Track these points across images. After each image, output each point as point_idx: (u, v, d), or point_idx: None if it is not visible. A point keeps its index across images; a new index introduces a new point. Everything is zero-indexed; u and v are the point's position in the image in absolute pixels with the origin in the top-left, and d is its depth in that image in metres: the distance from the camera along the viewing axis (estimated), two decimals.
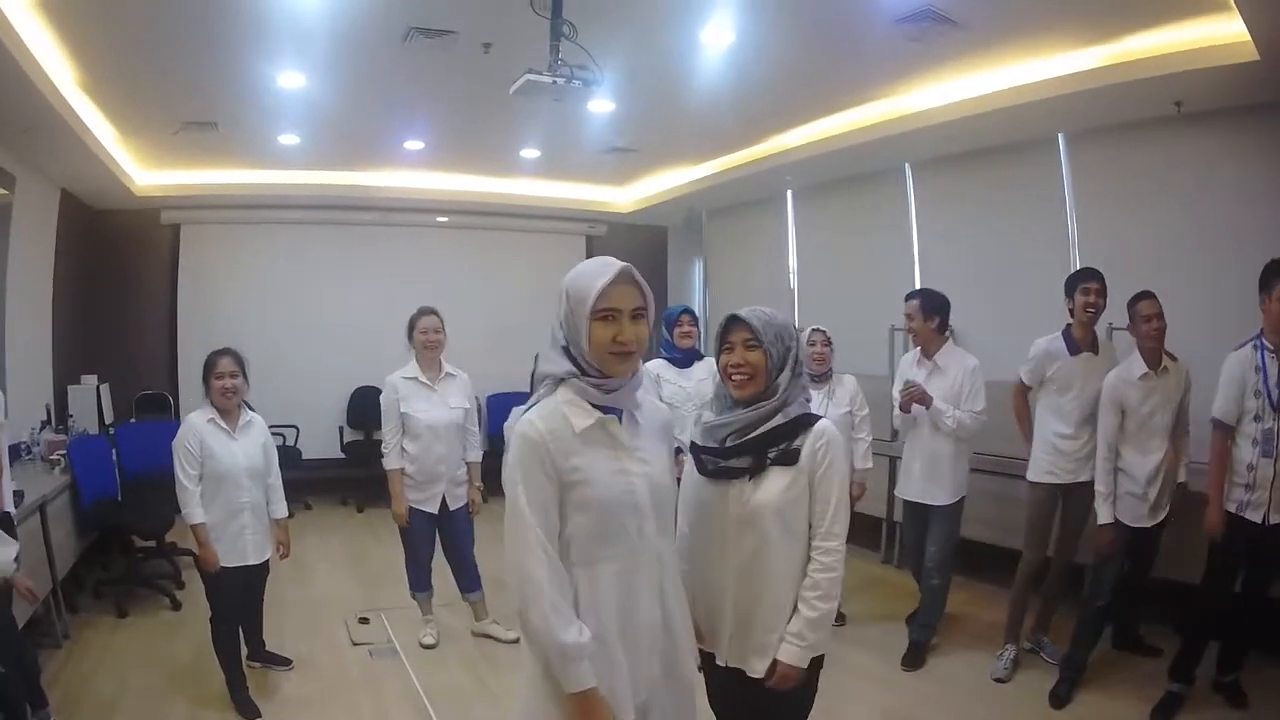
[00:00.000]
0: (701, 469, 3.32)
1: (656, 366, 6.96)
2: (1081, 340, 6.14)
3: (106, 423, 10.08)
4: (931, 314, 6.42)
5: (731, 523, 3.21)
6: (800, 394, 3.28)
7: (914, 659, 6.46)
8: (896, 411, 6.60)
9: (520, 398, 3.05)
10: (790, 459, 3.16)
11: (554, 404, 2.74)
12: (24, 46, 6.05)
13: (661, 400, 6.66)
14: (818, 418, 3.27)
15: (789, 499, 3.15)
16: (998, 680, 6.13)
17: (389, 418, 6.59)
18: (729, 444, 3.23)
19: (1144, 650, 6.37)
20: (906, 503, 6.72)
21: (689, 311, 7.07)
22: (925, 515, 6.52)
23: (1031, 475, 6.30)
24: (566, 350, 2.77)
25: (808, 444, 3.18)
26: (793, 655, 3.12)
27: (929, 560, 6.48)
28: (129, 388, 11.09)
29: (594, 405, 2.75)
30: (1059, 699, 5.75)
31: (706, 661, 3.35)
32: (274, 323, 12.06)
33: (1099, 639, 5.95)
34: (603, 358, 2.73)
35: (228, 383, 5.73)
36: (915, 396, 6.29)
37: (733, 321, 3.27)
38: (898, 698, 5.98)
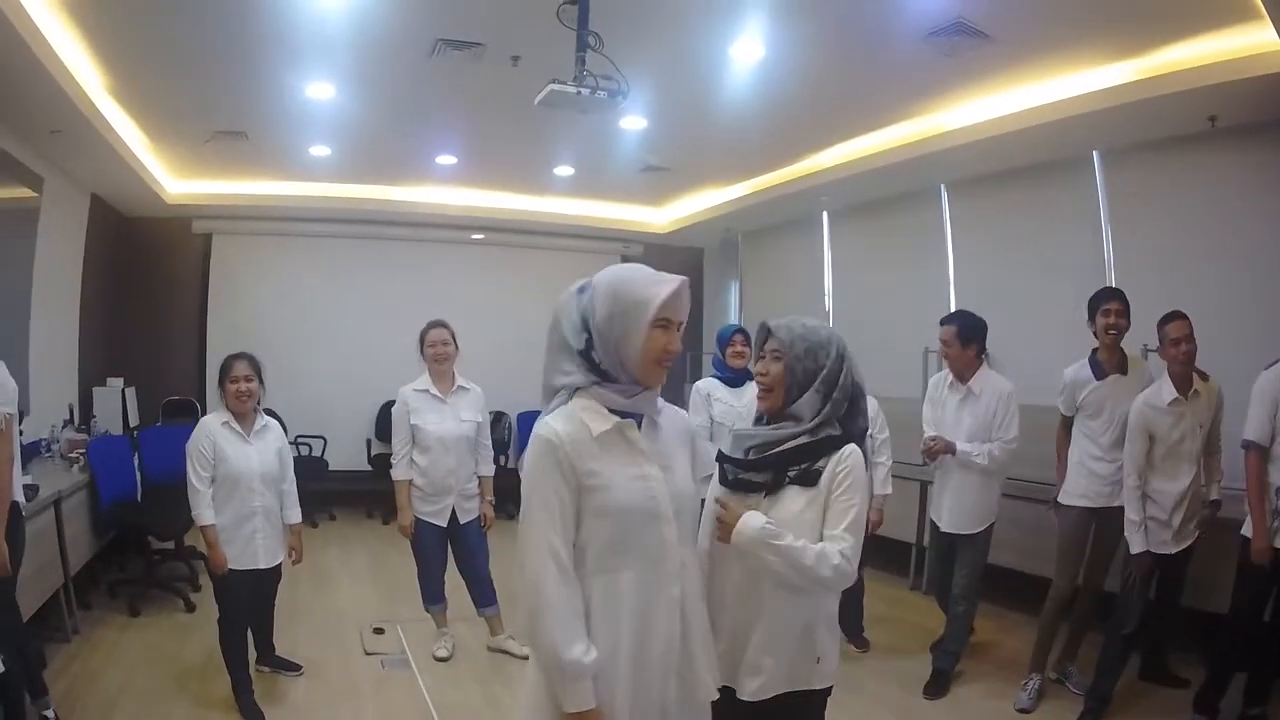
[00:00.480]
0: (722, 478, 3.25)
1: (708, 385, 6.92)
2: (1107, 362, 6.03)
3: (131, 425, 10.10)
4: (969, 340, 6.29)
5: (712, 553, 3.17)
6: (844, 419, 3.17)
7: (937, 687, 6.35)
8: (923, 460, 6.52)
9: None
10: (810, 480, 3.08)
11: (571, 409, 2.66)
12: (49, 48, 6.09)
13: (713, 419, 6.77)
14: (847, 441, 3.14)
15: (804, 521, 3.04)
16: (1021, 710, 6.00)
17: (399, 429, 6.56)
18: (750, 456, 3.17)
19: (1171, 681, 6.17)
20: (935, 529, 6.59)
21: (742, 331, 6.97)
22: (952, 542, 6.43)
23: (1064, 498, 6.18)
24: (586, 355, 2.68)
25: (829, 467, 3.07)
26: (745, 523, 3.02)
27: (956, 587, 6.38)
28: (156, 393, 11.11)
29: (613, 411, 2.69)
30: None
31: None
32: (303, 334, 12.10)
33: (1124, 668, 5.79)
34: (649, 366, 2.68)
35: (243, 386, 5.69)
36: (939, 450, 6.24)
37: (764, 329, 3.27)
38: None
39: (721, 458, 3.26)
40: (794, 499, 3.07)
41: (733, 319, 13.94)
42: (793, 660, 3.11)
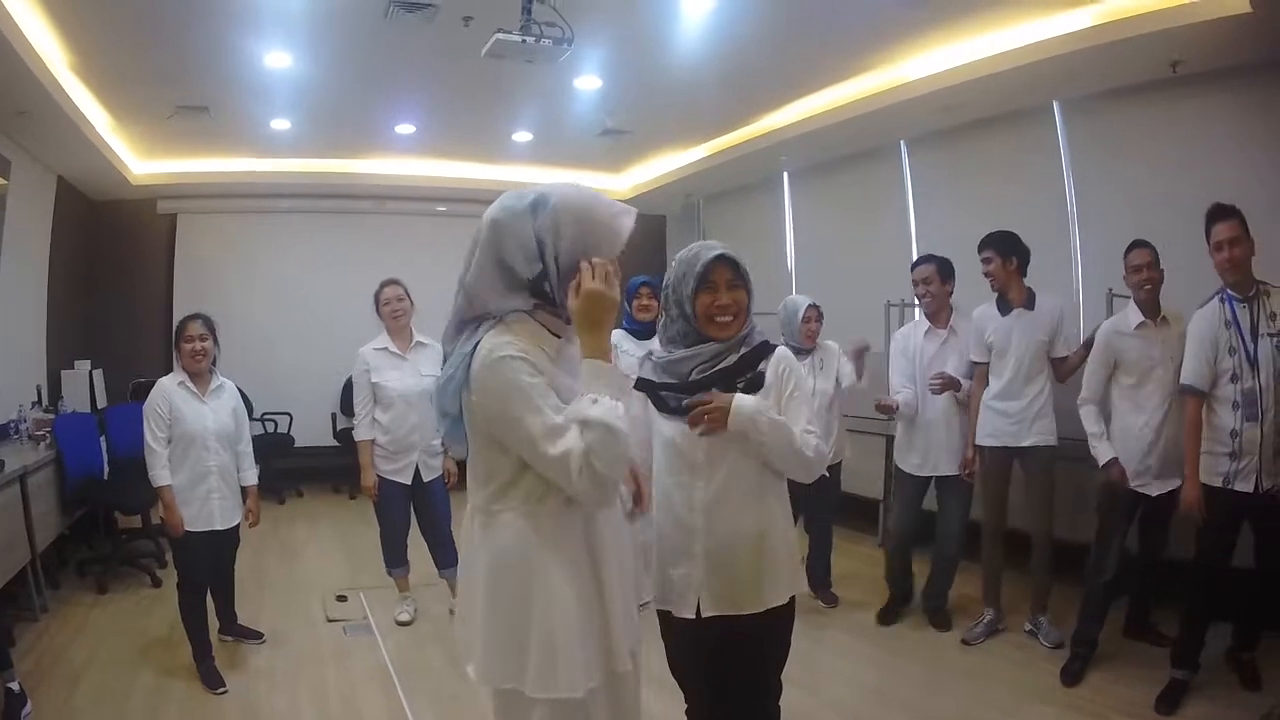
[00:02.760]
0: (663, 406, 3.26)
1: (616, 337, 6.80)
2: (1013, 301, 6.05)
3: (99, 407, 10.07)
4: (948, 278, 6.36)
5: (701, 459, 3.20)
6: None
7: (945, 621, 6.55)
8: (915, 395, 6.47)
9: None
10: (757, 385, 3.19)
11: (514, 332, 2.51)
12: (15, 26, 6.07)
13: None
14: (775, 345, 3.32)
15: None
16: (964, 642, 6.15)
17: (360, 389, 6.55)
18: (695, 378, 3.20)
19: (1155, 638, 6.00)
20: (908, 478, 6.56)
21: (649, 284, 6.94)
22: (927, 488, 6.52)
23: (979, 439, 6.19)
24: (535, 283, 2.52)
25: (770, 368, 3.23)
26: (738, 403, 3.13)
27: (949, 531, 6.49)
28: (125, 375, 10.99)
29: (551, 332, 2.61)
30: (1070, 675, 5.56)
31: (667, 620, 3.32)
32: (269, 311, 12.08)
33: (1105, 616, 5.71)
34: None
35: (197, 345, 5.69)
36: (950, 385, 6.19)
37: (719, 261, 3.20)
38: (883, 675, 5.86)
39: (653, 387, 3.29)
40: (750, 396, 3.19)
41: None
42: (779, 569, 3.24)
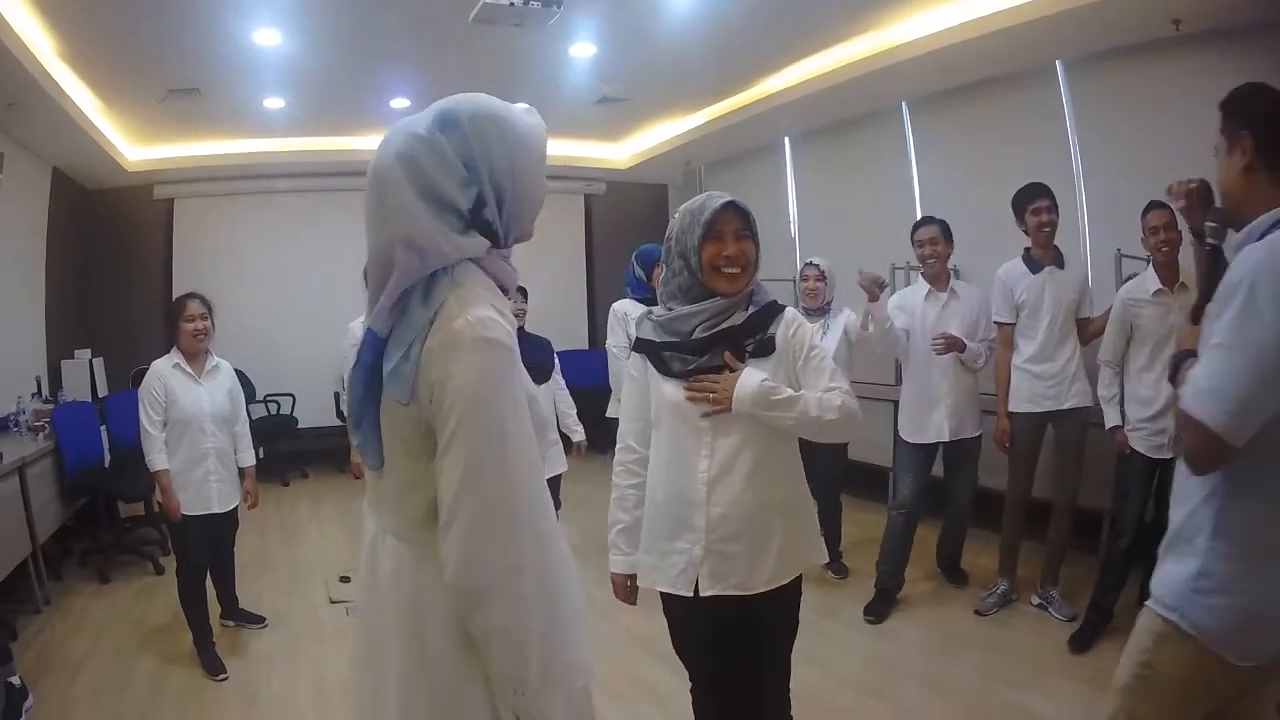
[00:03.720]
0: (664, 369, 3.10)
1: (624, 307, 6.89)
2: (1042, 259, 5.94)
3: (100, 396, 10.02)
4: (950, 239, 6.27)
5: (706, 425, 3.04)
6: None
7: (962, 577, 6.75)
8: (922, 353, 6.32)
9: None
10: (767, 349, 3.06)
11: (480, 297, 1.99)
12: (1, 17, 6.01)
13: (630, 340, 6.63)
14: (784, 305, 3.17)
15: (774, 390, 2.98)
16: (977, 613, 6.09)
17: (350, 364, 6.37)
18: (699, 335, 3.05)
19: None
20: (914, 447, 6.41)
21: None
22: (935, 455, 6.41)
23: (1012, 404, 6.07)
24: (475, 214, 2.04)
25: (780, 331, 3.09)
26: (742, 385, 2.96)
27: (960, 500, 6.56)
28: (125, 363, 10.94)
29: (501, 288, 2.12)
30: (1080, 643, 5.52)
31: (665, 598, 3.18)
32: (269, 293, 12.06)
33: (1123, 584, 5.66)
34: (535, 212, 2.20)
35: (198, 324, 5.68)
36: (954, 346, 6.05)
37: (728, 208, 3.01)
38: (895, 647, 5.81)
39: (655, 348, 3.13)
40: (753, 375, 3.00)
41: None
42: (801, 540, 3.18)
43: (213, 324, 5.79)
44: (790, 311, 3.13)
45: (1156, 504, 5.67)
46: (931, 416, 6.27)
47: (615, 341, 6.87)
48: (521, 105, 2.18)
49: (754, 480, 3.01)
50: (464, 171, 2.01)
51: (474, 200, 2.03)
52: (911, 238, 6.36)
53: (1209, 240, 2.68)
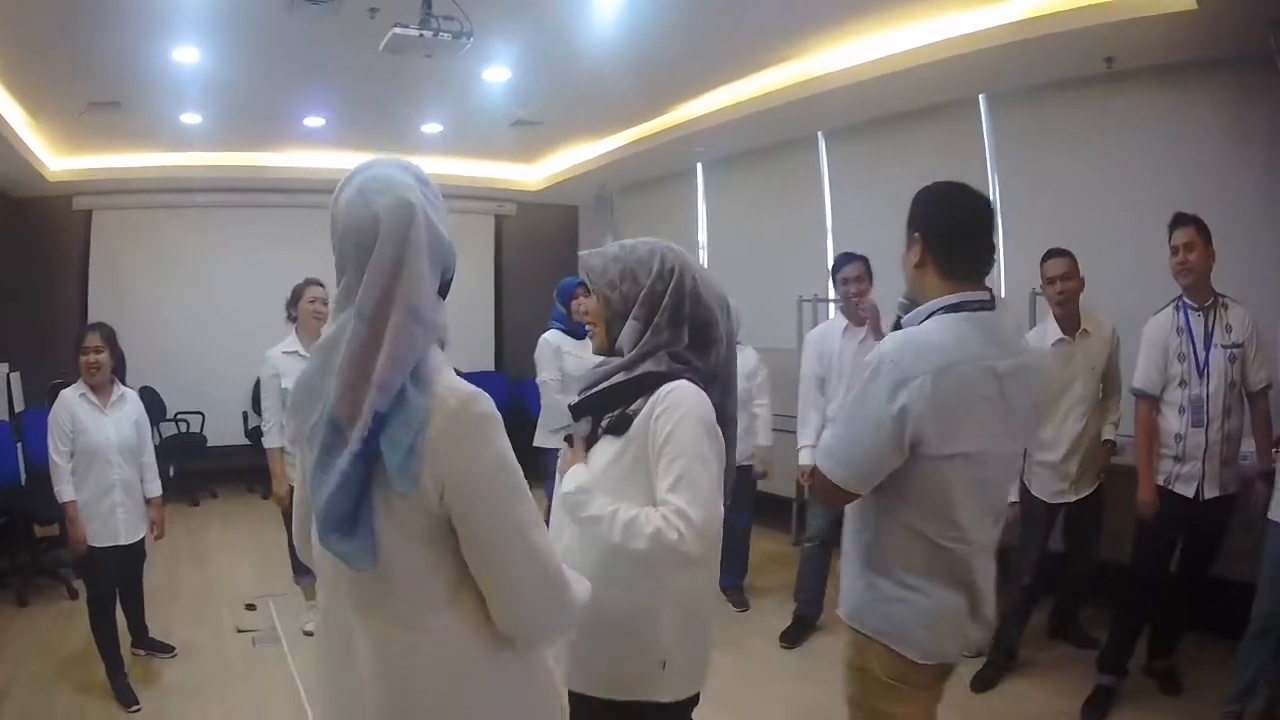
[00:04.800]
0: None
1: (556, 338, 6.84)
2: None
3: (16, 411, 9.92)
4: (872, 276, 6.21)
5: (557, 506, 2.75)
6: (686, 352, 2.68)
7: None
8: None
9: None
10: (619, 427, 2.62)
11: (447, 370, 1.99)
12: None
13: (564, 372, 6.67)
14: (673, 378, 2.61)
15: (612, 479, 2.58)
16: None
17: (269, 394, 6.35)
18: (579, 394, 2.78)
19: (1081, 640, 6.06)
20: None
21: (584, 284, 6.86)
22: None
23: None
24: (444, 287, 2.07)
25: (645, 410, 2.58)
26: (567, 479, 2.64)
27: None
28: (43, 376, 10.81)
29: None
30: (983, 682, 5.57)
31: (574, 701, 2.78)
32: (182, 308, 11.98)
33: (1027, 621, 5.76)
34: None
35: (92, 357, 5.67)
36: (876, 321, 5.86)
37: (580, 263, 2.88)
38: (802, 686, 5.80)
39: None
40: (603, 451, 2.65)
41: None
42: (626, 661, 2.66)
43: (112, 354, 5.76)
44: (669, 389, 2.57)
45: (1065, 538, 5.81)
46: None
47: (550, 375, 6.81)
48: None
49: (597, 580, 2.38)
50: (446, 237, 2.03)
51: (443, 266, 2.04)
52: (834, 274, 6.31)
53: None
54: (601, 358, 2.81)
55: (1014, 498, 5.32)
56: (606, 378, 2.69)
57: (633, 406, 2.61)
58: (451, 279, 2.09)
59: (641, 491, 2.53)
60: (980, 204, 2.99)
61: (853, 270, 6.15)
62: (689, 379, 2.61)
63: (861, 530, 2.90)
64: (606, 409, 2.67)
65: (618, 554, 2.50)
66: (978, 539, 2.82)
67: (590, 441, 2.70)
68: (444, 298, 2.04)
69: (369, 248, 1.90)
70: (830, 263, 6.54)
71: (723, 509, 2.58)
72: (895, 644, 2.79)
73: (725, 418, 2.72)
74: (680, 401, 2.54)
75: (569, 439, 2.80)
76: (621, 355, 2.70)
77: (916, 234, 2.95)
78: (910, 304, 2.97)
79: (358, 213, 1.93)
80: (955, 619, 2.83)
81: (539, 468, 6.75)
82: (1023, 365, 2.86)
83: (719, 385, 2.72)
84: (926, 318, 2.81)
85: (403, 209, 1.91)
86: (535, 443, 6.89)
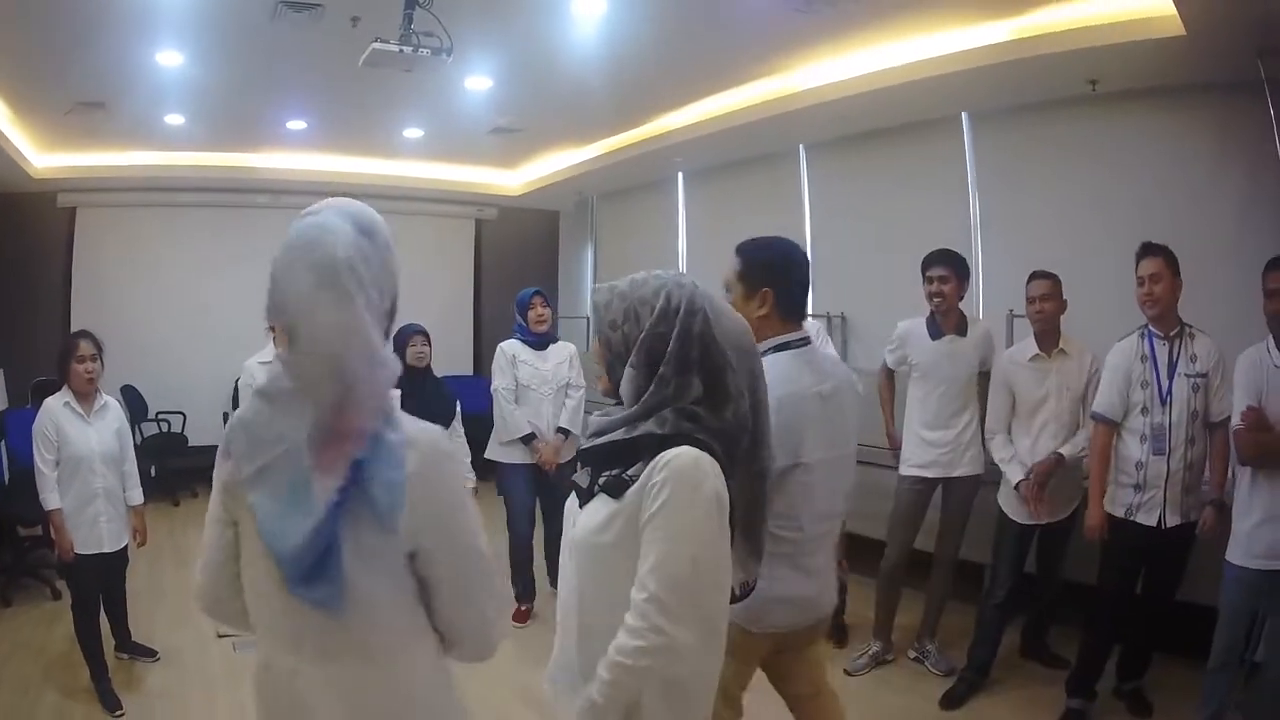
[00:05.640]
0: None
1: (513, 347, 6.93)
2: (944, 325, 5.95)
3: (0, 409, 9.92)
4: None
5: (566, 549, 2.54)
6: (696, 407, 2.36)
7: (843, 637, 6.53)
8: None
9: None
10: (614, 490, 2.34)
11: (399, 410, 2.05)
12: None
13: (519, 381, 6.82)
14: (677, 440, 2.31)
15: (599, 543, 2.36)
16: (847, 672, 6.04)
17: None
18: (584, 444, 2.53)
19: (1050, 660, 6.08)
20: None
21: (540, 294, 6.98)
22: None
23: (902, 468, 6.14)
24: (386, 331, 2.07)
25: (643, 477, 2.30)
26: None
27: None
28: (26, 374, 10.83)
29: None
30: (952, 699, 5.62)
31: None
32: (164, 307, 11.96)
33: (999, 639, 5.77)
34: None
35: (89, 366, 5.64)
36: None
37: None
38: (754, 709, 5.83)
39: None
40: (596, 512, 2.39)
41: (588, 282, 13.98)
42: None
43: (102, 363, 5.77)
44: (669, 457, 2.28)
45: (1038, 558, 5.85)
46: None
47: (502, 383, 6.88)
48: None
49: (587, 639, 2.40)
50: (389, 278, 2.05)
51: (388, 310, 2.07)
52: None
53: None
54: (612, 401, 2.56)
55: (1016, 478, 5.53)
56: (608, 430, 2.43)
57: (630, 470, 2.33)
58: (387, 323, 2.09)
59: (622, 564, 2.29)
60: (805, 255, 3.55)
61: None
62: (700, 440, 2.32)
63: None
64: (604, 466, 2.41)
65: (622, 602, 2.26)
66: (810, 531, 3.33)
67: (587, 495, 2.44)
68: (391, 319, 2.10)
69: (307, 309, 1.94)
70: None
71: (727, 589, 2.40)
72: (736, 619, 2.78)
73: (756, 472, 2.49)
74: (677, 474, 2.26)
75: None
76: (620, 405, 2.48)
77: (766, 289, 3.36)
78: None
79: (293, 273, 1.97)
80: (788, 596, 3.30)
81: (496, 484, 7.10)
82: (838, 386, 3.41)
83: (749, 438, 2.44)
84: (766, 352, 3.17)
85: (330, 266, 1.94)
86: (486, 454, 6.99)
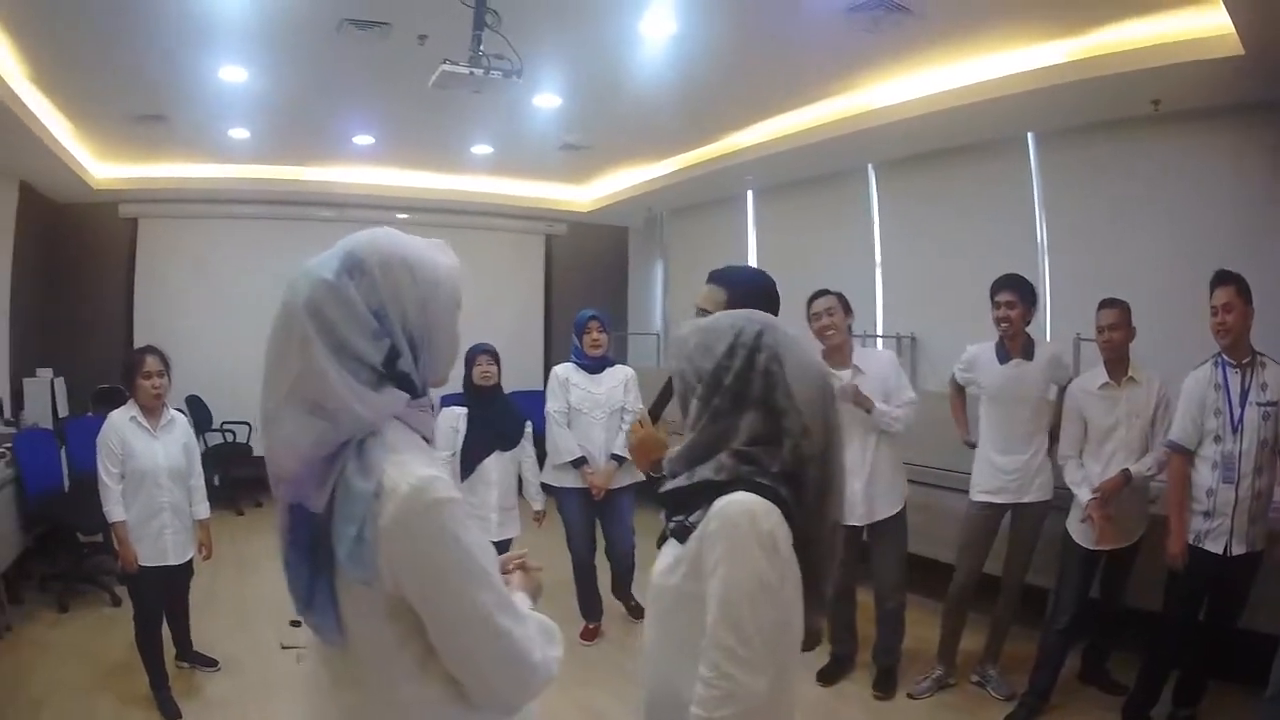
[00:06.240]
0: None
1: (566, 370, 6.92)
2: (1011, 348, 5.87)
3: (60, 416, 10.03)
4: (850, 310, 6.16)
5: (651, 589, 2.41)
6: (751, 446, 2.22)
7: (887, 684, 6.18)
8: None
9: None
10: (681, 535, 2.26)
11: (413, 456, 1.89)
12: None
13: (570, 405, 6.79)
14: (737, 487, 2.17)
15: (668, 587, 2.28)
16: (910, 696, 6.01)
17: None
18: (663, 488, 2.38)
19: (1109, 686, 5.97)
20: (847, 528, 5.83)
21: (597, 318, 6.90)
22: (859, 537, 6.11)
23: (972, 493, 6.05)
24: (390, 367, 1.90)
25: (700, 526, 2.19)
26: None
27: (885, 582, 6.16)
28: (87, 381, 10.86)
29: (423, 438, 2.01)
30: None
31: None
32: (227, 318, 11.85)
33: (1061, 664, 5.69)
34: (450, 365, 2.08)
35: (155, 382, 5.66)
36: (853, 398, 5.71)
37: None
38: None
39: None
40: (666, 556, 2.34)
41: (657, 298, 14.02)
42: None
43: (169, 379, 5.78)
44: (722, 505, 2.16)
45: (1102, 584, 5.78)
46: (859, 496, 5.95)
47: (555, 406, 6.86)
48: (434, 242, 2.06)
49: (663, 685, 2.32)
50: (374, 323, 1.87)
51: (386, 353, 1.88)
52: (807, 310, 6.12)
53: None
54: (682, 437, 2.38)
55: (1086, 497, 5.43)
56: (673, 471, 2.33)
57: (692, 517, 2.23)
58: (403, 365, 1.92)
59: (689, 607, 2.18)
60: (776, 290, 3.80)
61: (824, 303, 6.02)
62: (759, 484, 2.18)
63: None
64: (673, 510, 2.32)
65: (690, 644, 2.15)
66: None
67: (662, 538, 2.37)
68: (414, 391, 1.95)
69: (269, 348, 1.92)
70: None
71: (796, 629, 2.26)
72: None
73: (822, 519, 2.28)
74: (729, 523, 2.14)
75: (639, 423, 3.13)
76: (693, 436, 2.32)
77: None
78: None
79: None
80: None
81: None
82: None
83: (817, 484, 2.24)
84: None
85: (287, 304, 1.89)
86: (541, 478, 6.91)
